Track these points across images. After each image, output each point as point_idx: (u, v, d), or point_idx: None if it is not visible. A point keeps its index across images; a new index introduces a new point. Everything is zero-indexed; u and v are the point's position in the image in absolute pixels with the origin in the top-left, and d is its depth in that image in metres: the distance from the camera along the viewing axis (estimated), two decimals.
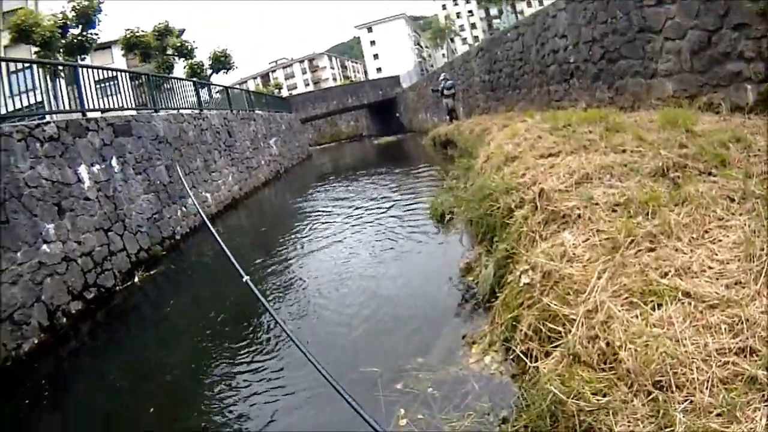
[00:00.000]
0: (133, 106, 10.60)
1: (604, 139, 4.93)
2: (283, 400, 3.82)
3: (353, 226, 8.77)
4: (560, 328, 2.50)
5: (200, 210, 8.55)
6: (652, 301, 2.25)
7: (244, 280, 4.00)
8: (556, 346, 2.45)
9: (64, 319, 6.04)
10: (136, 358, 5.51)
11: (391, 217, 8.51)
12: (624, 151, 4.31)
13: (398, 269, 5.90)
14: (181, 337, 5.92)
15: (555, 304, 2.63)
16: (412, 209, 8.66)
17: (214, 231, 5.76)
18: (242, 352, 4.81)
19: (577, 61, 8.98)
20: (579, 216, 3.29)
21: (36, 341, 5.49)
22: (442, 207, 7.12)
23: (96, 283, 6.89)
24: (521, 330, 2.87)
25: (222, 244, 5.12)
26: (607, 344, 2.14)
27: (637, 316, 2.20)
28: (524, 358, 2.75)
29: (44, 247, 6.15)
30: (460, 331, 3.78)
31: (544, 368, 2.37)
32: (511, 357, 3.04)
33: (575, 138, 5.43)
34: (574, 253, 2.93)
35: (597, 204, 3.33)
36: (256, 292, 3.90)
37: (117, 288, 7.27)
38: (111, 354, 5.70)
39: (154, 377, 4.92)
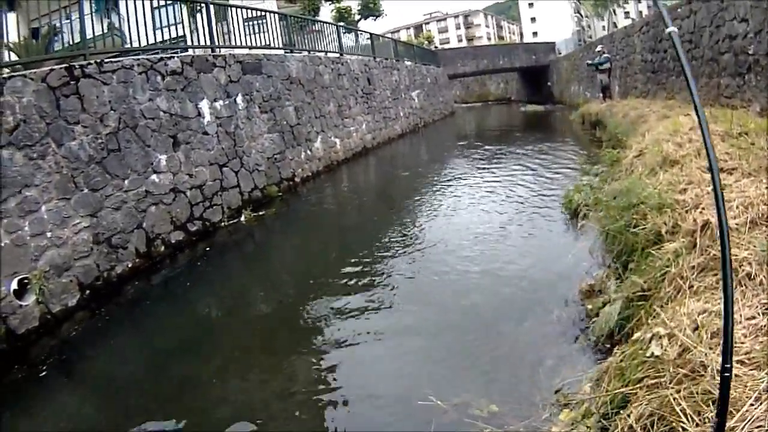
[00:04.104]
0: (280, 45, 10.43)
1: None
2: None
3: (479, 200, 7.65)
4: None
5: None
6: None
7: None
8: None
9: (163, 248, 6.08)
10: (227, 294, 5.41)
11: (521, 203, 7.07)
12: None
13: (508, 268, 4.76)
14: (277, 282, 5.72)
15: (683, 409, 1.71)
16: (547, 199, 7.06)
17: None
18: (335, 307, 4.38)
19: (756, 53, 6.92)
20: (749, 276, 2.23)
21: (130, 265, 5.56)
22: (578, 201, 5.71)
23: (202, 216, 6.89)
24: (628, 418, 1.93)
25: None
26: None
27: None
28: None
29: (153, 177, 6.18)
30: (555, 381, 2.78)
31: None
32: None
33: (754, 154, 3.91)
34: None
35: None
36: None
37: (223, 224, 7.23)
38: (202, 286, 5.63)
39: (240, 313, 4.84)
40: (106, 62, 5.87)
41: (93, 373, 4.07)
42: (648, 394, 1.97)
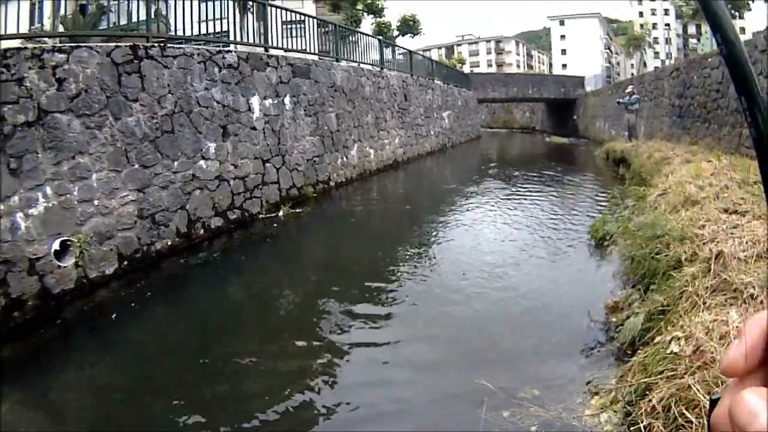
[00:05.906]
0: (316, 51, 10.38)
1: None
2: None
3: (507, 223, 7.47)
4: (694, 419, 1.96)
5: None
6: None
7: None
8: None
9: (202, 231, 6.00)
10: (257, 283, 5.34)
11: (550, 228, 6.99)
12: None
13: (539, 285, 4.87)
14: (307, 278, 5.60)
15: (698, 391, 2.03)
16: (573, 227, 7.01)
17: None
18: (361, 313, 4.29)
19: None
20: (752, 297, 2.66)
21: (169, 243, 5.47)
22: (605, 231, 5.81)
23: (242, 206, 6.81)
24: (650, 401, 2.27)
25: None
26: None
27: None
28: None
29: (201, 162, 6.14)
30: (586, 375, 3.16)
31: None
32: (630, 427, 2.39)
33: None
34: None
35: None
36: None
37: (260, 216, 7.15)
38: (234, 271, 5.55)
39: (267, 301, 4.79)
40: (169, 47, 5.89)
41: (121, 338, 3.96)
42: (667, 383, 2.27)
